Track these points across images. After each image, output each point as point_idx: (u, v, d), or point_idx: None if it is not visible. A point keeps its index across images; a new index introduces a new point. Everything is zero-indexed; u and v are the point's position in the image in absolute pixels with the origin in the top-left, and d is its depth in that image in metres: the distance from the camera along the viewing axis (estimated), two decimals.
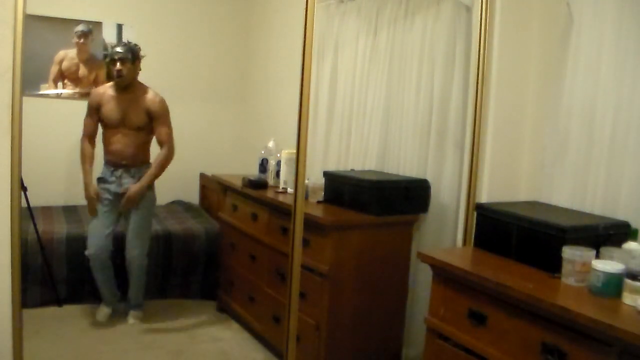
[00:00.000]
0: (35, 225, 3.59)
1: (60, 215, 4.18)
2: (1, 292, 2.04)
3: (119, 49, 3.34)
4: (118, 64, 3.32)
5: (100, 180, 3.50)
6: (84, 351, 3.17)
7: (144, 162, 3.53)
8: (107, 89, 3.47)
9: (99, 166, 3.55)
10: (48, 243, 3.68)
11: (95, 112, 3.44)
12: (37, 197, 3.90)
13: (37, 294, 3.65)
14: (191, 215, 4.51)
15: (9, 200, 2.00)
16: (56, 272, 3.71)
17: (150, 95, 3.43)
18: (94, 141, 3.50)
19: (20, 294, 2.07)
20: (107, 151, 3.47)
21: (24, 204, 3.35)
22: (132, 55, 3.36)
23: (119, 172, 3.45)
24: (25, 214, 3.36)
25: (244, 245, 3.50)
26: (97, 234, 3.44)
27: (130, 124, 3.40)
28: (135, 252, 3.52)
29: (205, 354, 3.25)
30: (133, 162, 3.46)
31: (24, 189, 3.41)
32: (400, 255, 2.88)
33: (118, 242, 3.62)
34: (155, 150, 3.56)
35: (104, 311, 3.58)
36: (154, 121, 3.44)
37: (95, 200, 3.42)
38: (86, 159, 3.44)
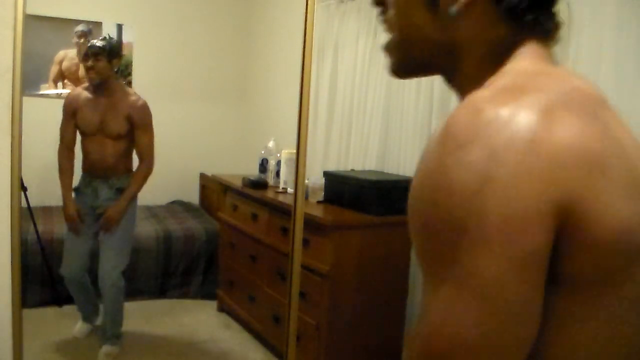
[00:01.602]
0: (35, 225, 3.59)
1: (60, 216, 4.16)
2: (1, 292, 2.04)
3: (96, 43, 2.95)
4: (91, 60, 2.92)
5: (76, 190, 3.14)
6: (84, 351, 3.17)
7: (125, 171, 3.14)
8: (82, 92, 3.08)
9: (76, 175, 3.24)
10: (48, 243, 3.68)
11: (71, 118, 3.06)
12: (37, 197, 3.90)
13: (37, 294, 3.65)
14: (191, 215, 4.51)
15: (9, 200, 2.00)
16: (56, 272, 3.70)
17: (131, 99, 3.03)
18: (74, 150, 3.13)
19: (20, 294, 2.07)
20: (84, 160, 3.11)
21: (24, 204, 3.34)
22: (110, 51, 2.94)
23: (95, 183, 3.09)
24: (25, 214, 3.36)
25: (244, 245, 3.50)
26: (73, 254, 3.11)
27: (108, 131, 3.01)
28: (108, 268, 3.02)
29: (205, 354, 3.25)
30: (112, 172, 3.09)
31: (24, 189, 3.41)
32: (400, 255, 2.88)
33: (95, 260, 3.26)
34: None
35: (83, 328, 3.33)
36: (134, 129, 3.04)
37: (76, 219, 3.05)
38: (64, 172, 3.07)
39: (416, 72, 0.77)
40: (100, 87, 3.01)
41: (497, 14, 0.65)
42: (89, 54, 2.93)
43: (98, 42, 2.96)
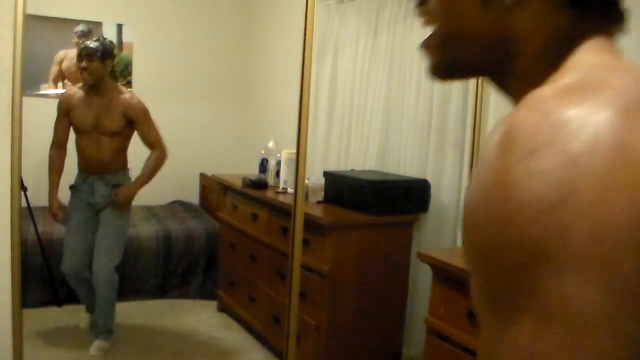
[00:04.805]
0: (35, 225, 3.59)
1: None
2: (1, 292, 2.04)
3: (89, 44, 3.01)
4: (84, 60, 2.99)
5: (72, 188, 3.21)
6: (84, 351, 3.17)
7: (121, 167, 3.21)
8: (77, 91, 3.17)
9: (73, 172, 3.28)
10: (48, 243, 3.68)
11: (64, 116, 3.15)
12: (37, 197, 3.89)
13: (37, 294, 3.65)
14: (191, 215, 4.51)
15: (9, 200, 2.00)
16: (56, 272, 3.70)
17: (126, 98, 3.11)
18: (65, 149, 3.22)
19: (20, 294, 2.07)
20: (79, 158, 3.17)
21: (24, 204, 3.34)
22: (103, 52, 3.00)
23: (91, 180, 3.14)
24: (25, 214, 3.36)
25: (244, 245, 3.50)
26: (72, 250, 3.16)
27: (104, 129, 3.08)
28: (102, 262, 3.08)
29: (205, 354, 3.25)
30: (108, 169, 3.15)
31: (24, 189, 3.41)
32: (400, 255, 2.88)
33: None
34: (134, 155, 3.26)
35: (86, 318, 3.41)
36: (136, 126, 3.12)
37: (59, 216, 3.19)
38: (53, 169, 3.18)
39: (461, 73, 0.67)
40: (94, 87, 3.08)
41: (558, 1, 0.56)
42: (83, 55, 3.00)
43: (91, 44, 3.03)
